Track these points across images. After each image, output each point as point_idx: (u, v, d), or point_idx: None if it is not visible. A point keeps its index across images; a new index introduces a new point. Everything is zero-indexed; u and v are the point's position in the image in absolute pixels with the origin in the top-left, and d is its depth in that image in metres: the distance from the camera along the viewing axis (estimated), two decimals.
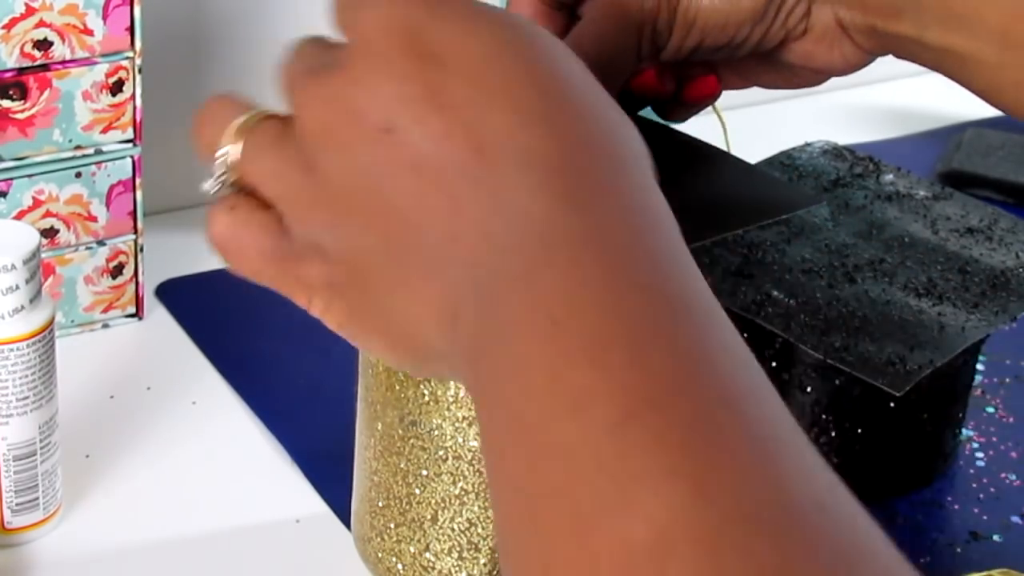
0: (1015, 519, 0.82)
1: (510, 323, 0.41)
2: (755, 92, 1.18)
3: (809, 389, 0.79)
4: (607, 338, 0.40)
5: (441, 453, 0.68)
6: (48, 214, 0.87)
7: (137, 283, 0.92)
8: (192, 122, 0.51)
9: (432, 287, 0.45)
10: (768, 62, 0.69)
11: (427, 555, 0.70)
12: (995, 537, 0.81)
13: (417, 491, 0.69)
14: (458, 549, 0.70)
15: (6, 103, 0.84)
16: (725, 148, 0.79)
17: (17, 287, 0.72)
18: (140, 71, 0.87)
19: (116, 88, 0.86)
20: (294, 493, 0.81)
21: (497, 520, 0.41)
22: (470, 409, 0.67)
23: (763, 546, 0.36)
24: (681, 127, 0.75)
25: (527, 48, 0.45)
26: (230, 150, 0.49)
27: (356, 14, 0.48)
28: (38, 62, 0.84)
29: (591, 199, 0.43)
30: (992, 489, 0.84)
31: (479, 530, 0.69)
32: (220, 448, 0.83)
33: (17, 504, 0.75)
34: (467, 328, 0.43)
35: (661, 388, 0.39)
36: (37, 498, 0.76)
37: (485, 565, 0.70)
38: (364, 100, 0.45)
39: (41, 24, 0.83)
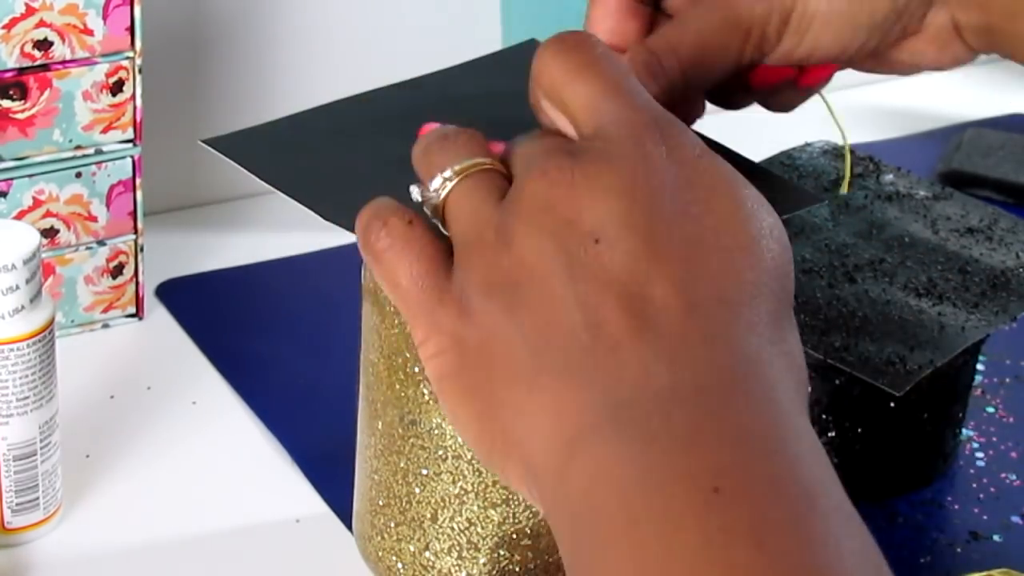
0: (1015, 519, 0.82)
1: (659, 485, 0.41)
2: None
3: (809, 389, 0.78)
4: (770, 521, 0.40)
5: (441, 452, 0.68)
6: (48, 214, 0.87)
7: (137, 283, 0.92)
8: (430, 134, 0.51)
9: (563, 398, 0.44)
10: (872, 56, 0.69)
11: (427, 554, 0.70)
12: (995, 537, 0.81)
13: (417, 490, 0.69)
14: (457, 548, 0.70)
15: (6, 103, 0.84)
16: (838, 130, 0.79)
17: (17, 287, 0.72)
18: (140, 71, 0.87)
19: (116, 88, 0.86)
20: (294, 493, 0.81)
21: None
22: None
23: None
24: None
25: (759, 232, 0.46)
26: (448, 184, 0.49)
27: (620, 111, 0.48)
28: (38, 62, 0.84)
29: (765, 382, 0.43)
30: (992, 489, 0.84)
31: (478, 530, 0.69)
32: (220, 448, 0.83)
33: (17, 504, 0.75)
34: (592, 465, 0.43)
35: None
36: (37, 498, 0.76)
37: (484, 565, 0.70)
38: (588, 201, 0.45)
39: (41, 24, 0.83)
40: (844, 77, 1.28)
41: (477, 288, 0.46)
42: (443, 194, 0.49)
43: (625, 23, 0.68)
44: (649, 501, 0.41)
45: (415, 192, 0.50)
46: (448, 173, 0.49)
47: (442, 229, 0.49)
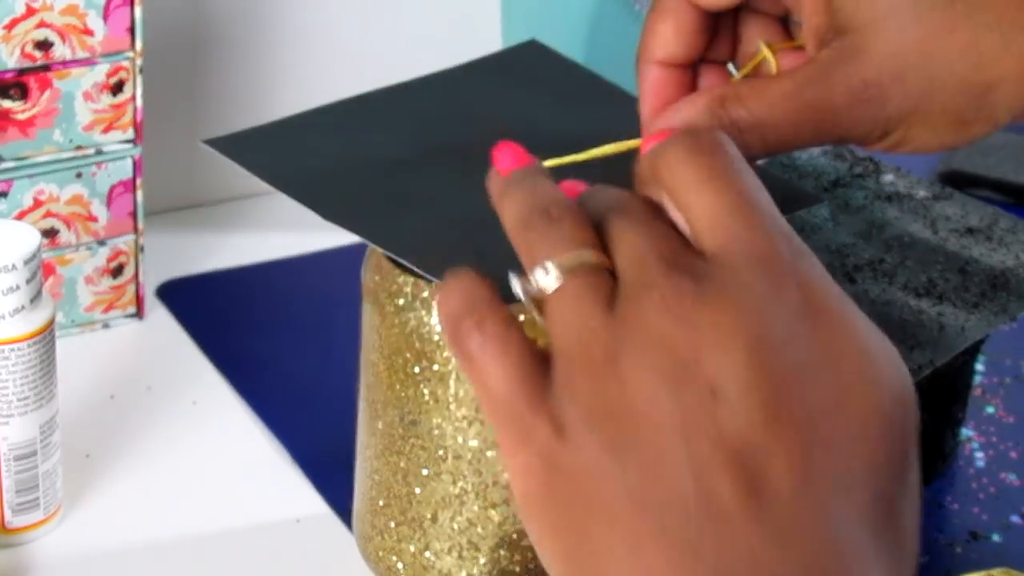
0: (1015, 519, 0.82)
1: None
2: None
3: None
4: None
5: (441, 453, 0.68)
6: (49, 214, 0.87)
7: (137, 283, 0.92)
8: (531, 206, 0.48)
9: (661, 565, 0.42)
10: None
11: (427, 554, 0.70)
12: (995, 537, 0.81)
13: (417, 490, 0.69)
14: (458, 548, 0.70)
15: (7, 103, 0.84)
16: None
17: (18, 287, 0.72)
18: (140, 71, 0.87)
19: (116, 88, 0.86)
20: (294, 493, 0.81)
21: None
22: (470, 409, 0.67)
23: None
24: None
25: (883, 412, 0.44)
26: (551, 281, 0.46)
27: (750, 234, 0.45)
28: (39, 62, 0.84)
29: None
30: (992, 489, 0.84)
31: (478, 530, 0.69)
32: (220, 448, 0.84)
33: (17, 504, 0.75)
34: None
35: None
36: (37, 498, 0.76)
37: (484, 565, 0.70)
38: (708, 344, 0.43)
39: (42, 24, 0.83)
40: None
41: (579, 412, 0.44)
42: (548, 290, 0.45)
43: (689, 40, 0.65)
44: None
45: (515, 285, 0.47)
46: (554, 270, 0.45)
47: (537, 318, 0.46)
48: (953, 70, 0.60)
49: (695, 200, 0.46)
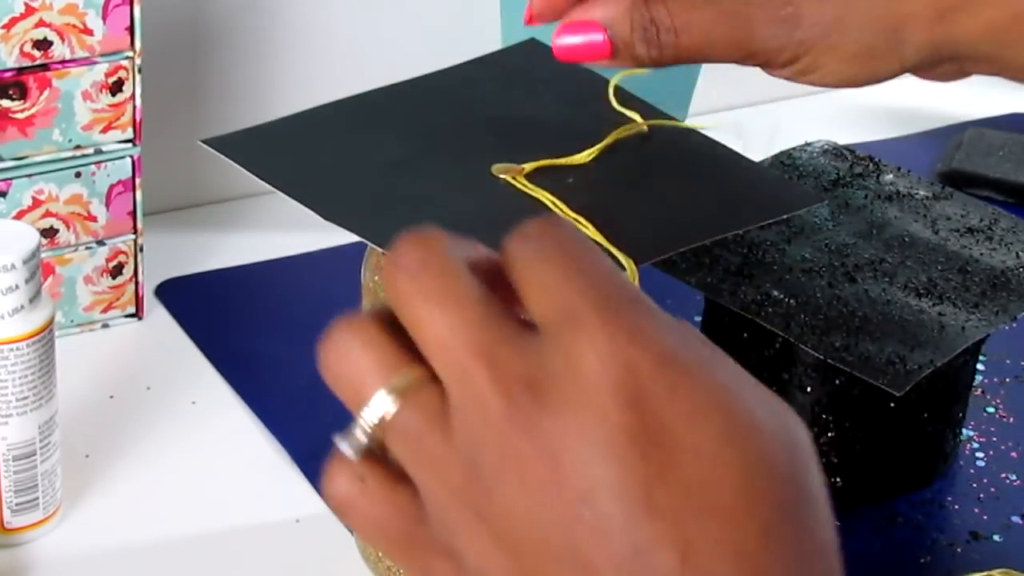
0: (1015, 519, 0.82)
1: None
2: (755, 92, 1.18)
3: (809, 389, 0.78)
4: None
5: None
6: (48, 214, 0.87)
7: (137, 283, 0.92)
8: (327, 349, 0.45)
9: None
10: None
11: None
12: (995, 537, 0.80)
13: None
14: None
15: (6, 103, 0.84)
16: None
17: (17, 287, 0.71)
18: (140, 71, 0.87)
19: (116, 88, 0.86)
20: (294, 493, 0.81)
21: None
22: None
23: None
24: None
25: (768, 466, 0.40)
26: (382, 414, 0.43)
27: (578, 344, 0.40)
28: (38, 62, 0.84)
29: None
30: (992, 489, 0.84)
31: None
32: (220, 448, 0.83)
33: (17, 504, 0.75)
34: None
35: None
36: (37, 498, 0.76)
37: None
38: (570, 456, 0.39)
39: (41, 24, 0.83)
40: None
41: (462, 544, 0.42)
42: (381, 424, 0.43)
43: None
44: None
45: (344, 445, 0.44)
46: (381, 399, 0.43)
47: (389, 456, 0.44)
48: (870, 1, 0.61)
49: (528, 275, 0.42)
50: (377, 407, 0.43)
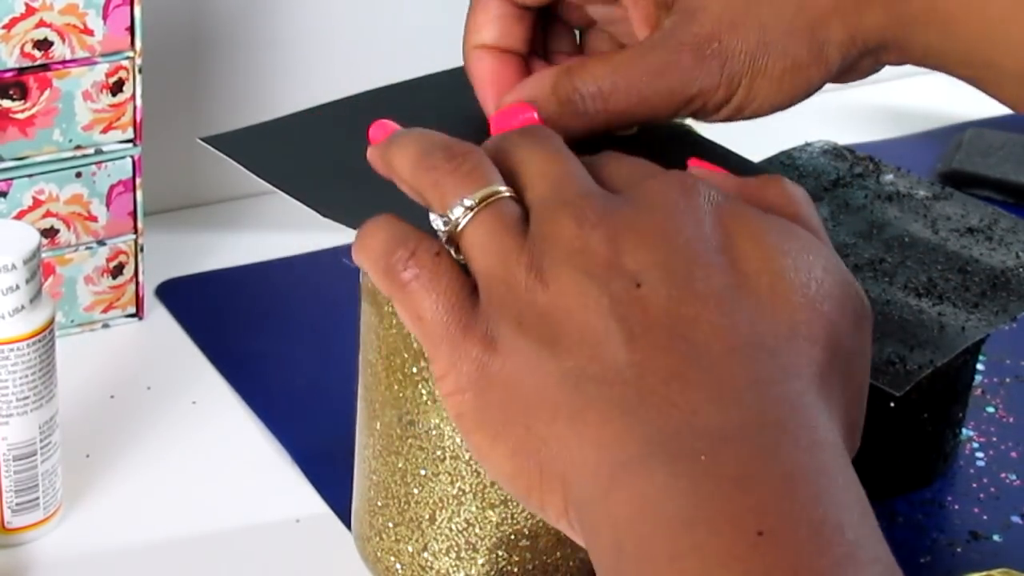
0: (1015, 519, 0.82)
1: (709, 520, 0.41)
2: None
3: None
4: (807, 565, 0.40)
5: (439, 453, 0.68)
6: (48, 214, 0.87)
7: (137, 283, 0.92)
8: (431, 149, 0.51)
9: (607, 430, 0.44)
10: None
11: (425, 555, 0.70)
12: (995, 537, 0.81)
13: (415, 491, 0.69)
14: (456, 549, 0.70)
15: (6, 103, 0.84)
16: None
17: (17, 287, 0.72)
18: (140, 71, 0.87)
19: (116, 88, 0.86)
20: (294, 493, 0.81)
21: None
22: None
23: None
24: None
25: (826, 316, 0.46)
26: (465, 214, 0.48)
27: (645, 171, 0.49)
28: (38, 62, 0.84)
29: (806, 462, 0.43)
30: (992, 489, 0.84)
31: (476, 530, 0.69)
32: (220, 448, 0.84)
33: (17, 504, 0.75)
34: (634, 490, 0.43)
35: None
36: (37, 498, 0.76)
37: (483, 565, 0.70)
38: (628, 246, 0.45)
39: (41, 24, 0.83)
40: None
41: (509, 325, 0.46)
42: (462, 225, 0.48)
43: (510, 28, 0.68)
44: (694, 538, 0.41)
45: (436, 222, 0.49)
46: (469, 202, 0.48)
47: (453, 254, 0.49)
48: (780, 13, 0.62)
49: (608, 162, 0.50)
50: (465, 205, 0.48)
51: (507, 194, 0.49)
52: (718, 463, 0.42)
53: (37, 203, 0.87)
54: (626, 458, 0.43)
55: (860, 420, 0.48)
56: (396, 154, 0.52)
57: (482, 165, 0.49)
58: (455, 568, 0.70)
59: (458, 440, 0.68)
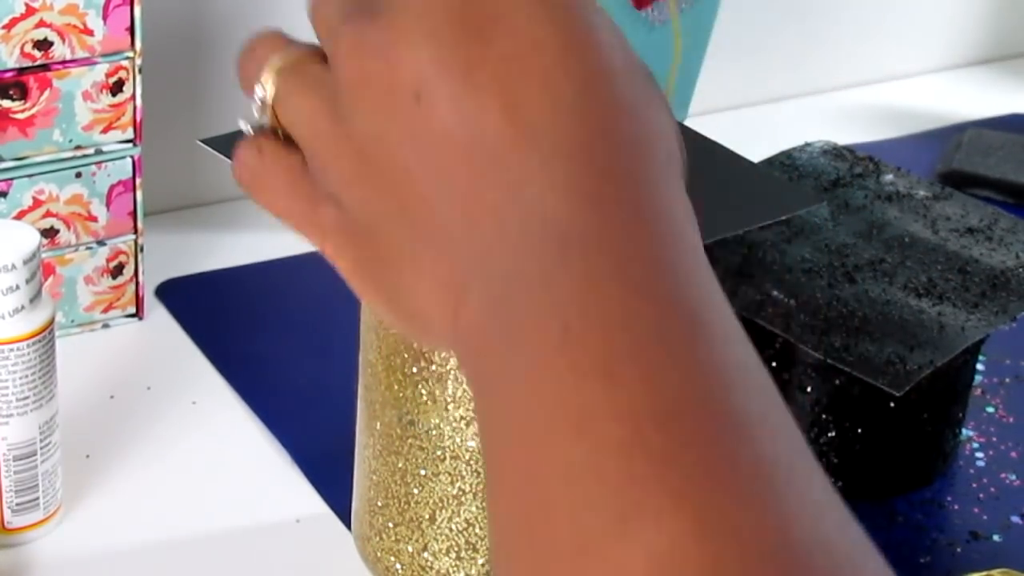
0: (1015, 519, 0.82)
1: (520, 327, 0.40)
2: (754, 92, 1.18)
3: (809, 389, 0.79)
4: (620, 352, 0.38)
5: (439, 453, 0.68)
6: (48, 214, 0.87)
7: (137, 283, 0.92)
8: (238, 57, 0.51)
9: (440, 267, 0.44)
10: None
11: (425, 555, 0.70)
12: (995, 537, 0.81)
13: (415, 491, 0.69)
14: (456, 549, 0.70)
15: (6, 103, 0.84)
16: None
17: (17, 287, 0.72)
18: (140, 71, 0.87)
19: (116, 88, 0.86)
20: (294, 493, 0.81)
21: (492, 524, 0.40)
22: (468, 409, 0.67)
23: None
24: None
25: (580, 35, 0.44)
26: (268, 88, 0.49)
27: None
28: (38, 62, 0.84)
29: (615, 203, 0.41)
30: (992, 489, 0.84)
31: (477, 530, 0.69)
32: (220, 448, 0.84)
33: (17, 504, 0.75)
34: (471, 319, 0.42)
35: (673, 409, 0.37)
36: (37, 498, 0.76)
37: (483, 565, 0.70)
38: (398, 58, 0.44)
39: (41, 24, 0.83)
40: (844, 77, 1.29)
41: (338, 183, 0.46)
42: (270, 99, 0.48)
43: None
44: (509, 346, 0.40)
45: (244, 123, 0.50)
46: (266, 77, 0.49)
47: (279, 129, 0.49)
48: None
49: None
50: (267, 83, 0.49)
51: (298, 54, 0.49)
52: (524, 269, 0.41)
53: (37, 203, 0.87)
54: (458, 286, 0.43)
55: (673, 128, 0.45)
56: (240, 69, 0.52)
57: (272, 38, 0.51)
58: (455, 568, 0.70)
59: (458, 440, 0.68)
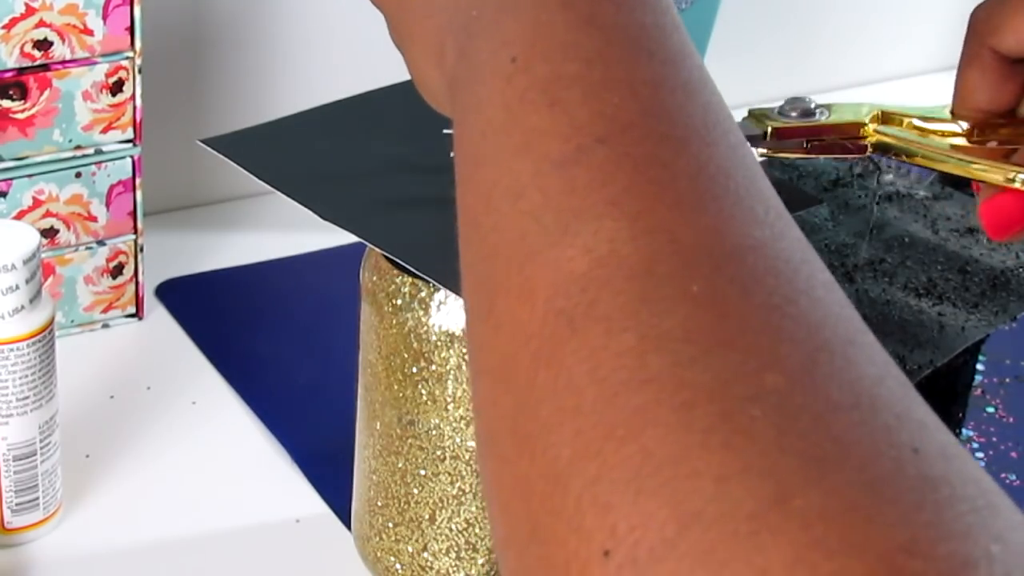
0: None
1: (477, 63, 0.43)
2: (753, 92, 1.18)
3: None
4: (564, 77, 0.40)
5: (439, 453, 0.68)
6: (48, 214, 0.87)
7: (137, 283, 0.92)
8: None
9: (428, 25, 0.47)
10: None
11: (425, 555, 0.70)
12: None
13: (415, 491, 0.69)
14: (456, 549, 0.70)
15: (6, 103, 0.84)
16: None
17: (17, 287, 0.72)
18: (140, 71, 0.87)
19: (116, 88, 0.86)
20: (294, 493, 0.81)
21: (462, 252, 0.42)
22: (468, 409, 0.67)
23: (692, 281, 0.36)
24: None
25: None
26: None
27: None
28: (38, 62, 0.84)
29: None
30: None
31: (476, 530, 0.69)
32: (220, 448, 0.84)
33: (17, 504, 0.75)
34: (449, 66, 0.45)
35: (613, 126, 0.39)
36: (37, 498, 0.76)
37: (483, 565, 0.70)
38: None
39: (41, 24, 0.83)
40: (844, 77, 1.29)
41: None
42: None
43: (1002, 88, 0.66)
44: (471, 83, 0.43)
45: None
46: None
47: None
48: None
49: None
50: None
51: None
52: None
53: (37, 203, 0.87)
54: (440, 48, 0.46)
55: None
56: None
57: None
58: (455, 568, 0.70)
59: (458, 440, 0.68)
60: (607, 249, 0.37)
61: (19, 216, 0.86)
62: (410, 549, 0.70)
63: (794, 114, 0.65)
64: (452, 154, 0.44)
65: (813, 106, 0.66)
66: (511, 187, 0.40)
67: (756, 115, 0.65)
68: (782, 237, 0.38)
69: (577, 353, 0.36)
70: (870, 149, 0.66)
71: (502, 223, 0.40)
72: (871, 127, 0.65)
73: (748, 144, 0.41)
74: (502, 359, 0.38)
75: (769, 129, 0.65)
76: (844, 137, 0.65)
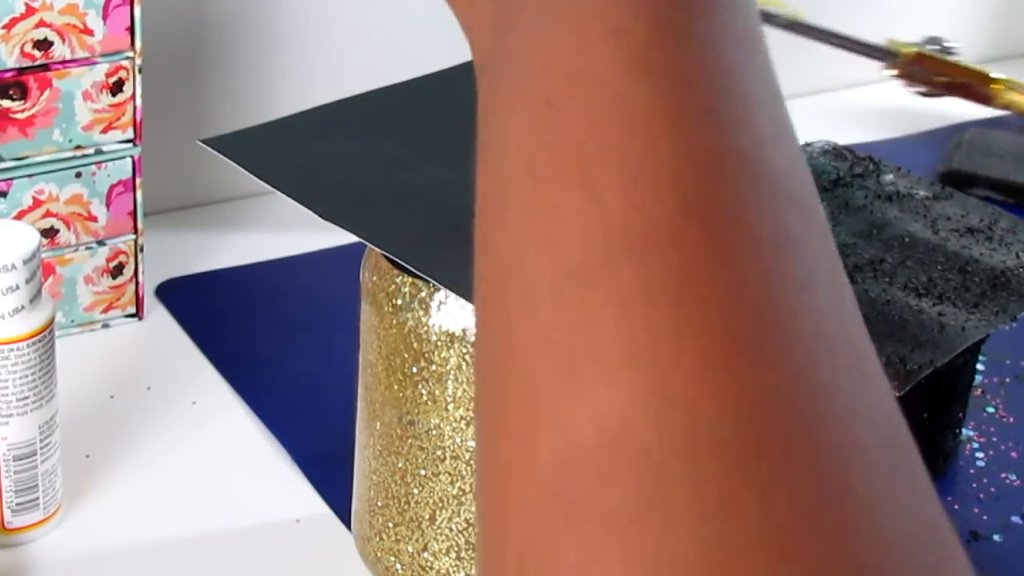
0: (1015, 519, 0.82)
1: (509, 75, 0.35)
2: None
3: None
4: (601, 145, 0.33)
5: (439, 453, 0.68)
6: (48, 214, 0.87)
7: (137, 283, 0.92)
8: None
9: None
10: None
11: (425, 555, 0.70)
12: (995, 537, 0.81)
13: (415, 491, 0.69)
14: (456, 549, 0.70)
15: (6, 103, 0.84)
16: None
17: (17, 287, 0.72)
18: (140, 71, 0.87)
19: (116, 88, 0.86)
20: (294, 493, 0.81)
21: (476, 283, 0.35)
22: (468, 409, 0.67)
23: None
24: None
25: None
26: None
27: None
28: (38, 62, 0.84)
29: None
30: (992, 489, 0.84)
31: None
32: (220, 448, 0.84)
33: (17, 504, 0.75)
34: (482, 38, 0.37)
35: (648, 231, 0.32)
36: (37, 498, 0.76)
37: None
38: None
39: (41, 24, 0.83)
40: (844, 77, 1.29)
41: None
42: None
43: None
44: (498, 99, 0.35)
45: None
46: None
47: None
48: None
49: None
50: None
51: None
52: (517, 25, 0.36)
53: (37, 203, 0.87)
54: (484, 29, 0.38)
55: None
56: None
57: None
58: (455, 568, 0.70)
59: (458, 440, 0.68)
60: (616, 422, 0.30)
61: (19, 216, 0.86)
62: (410, 549, 0.70)
63: (934, 47, 0.64)
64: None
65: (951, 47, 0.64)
66: (525, 282, 0.33)
67: (896, 42, 0.65)
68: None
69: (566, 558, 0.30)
70: (994, 102, 0.65)
71: (513, 322, 0.33)
72: (1002, 85, 0.66)
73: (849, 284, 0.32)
74: (503, 502, 0.32)
75: (905, 53, 0.63)
76: (975, 82, 0.65)
